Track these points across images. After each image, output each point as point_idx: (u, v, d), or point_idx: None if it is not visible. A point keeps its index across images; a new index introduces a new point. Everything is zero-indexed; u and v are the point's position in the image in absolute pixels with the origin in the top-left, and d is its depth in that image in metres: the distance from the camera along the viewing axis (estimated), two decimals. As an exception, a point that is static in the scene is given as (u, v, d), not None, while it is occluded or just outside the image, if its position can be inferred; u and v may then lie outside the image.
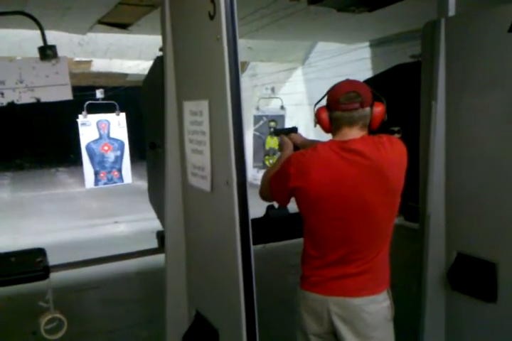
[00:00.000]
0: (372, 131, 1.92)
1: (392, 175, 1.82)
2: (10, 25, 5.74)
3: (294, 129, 2.38)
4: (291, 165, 1.87)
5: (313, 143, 2.22)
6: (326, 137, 2.03)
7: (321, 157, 1.84)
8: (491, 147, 2.15)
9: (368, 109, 1.85)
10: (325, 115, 1.90)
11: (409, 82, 2.65)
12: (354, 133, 1.85)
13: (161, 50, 2.13)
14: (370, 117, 1.87)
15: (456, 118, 2.30)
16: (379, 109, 1.88)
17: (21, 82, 2.13)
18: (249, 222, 1.62)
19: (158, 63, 2.18)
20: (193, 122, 1.88)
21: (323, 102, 1.94)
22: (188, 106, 1.92)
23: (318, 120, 1.94)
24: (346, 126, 1.86)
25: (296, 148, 2.26)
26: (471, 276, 2.25)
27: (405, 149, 1.86)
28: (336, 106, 1.85)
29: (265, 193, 2.06)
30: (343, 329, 1.86)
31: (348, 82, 1.90)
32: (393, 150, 1.82)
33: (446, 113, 2.33)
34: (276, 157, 8.53)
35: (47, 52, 2.15)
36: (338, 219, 1.84)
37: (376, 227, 1.85)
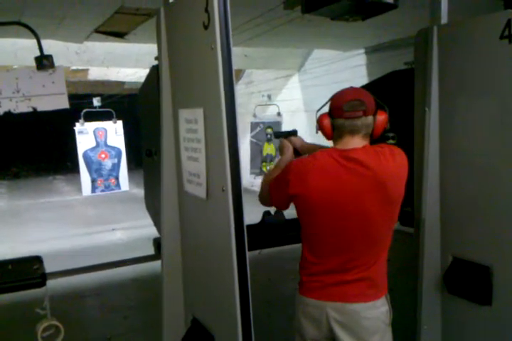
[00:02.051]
0: (374, 139, 1.92)
1: (392, 186, 1.82)
2: (5, 35, 5.77)
3: (294, 132, 2.36)
4: (291, 171, 1.87)
5: (312, 147, 2.22)
6: (324, 141, 2.05)
7: (321, 164, 1.84)
8: (485, 152, 2.17)
9: (370, 117, 1.85)
10: (327, 122, 1.89)
11: (402, 89, 2.67)
12: (356, 142, 1.85)
13: (156, 58, 2.15)
14: (373, 126, 1.87)
15: (449, 124, 2.32)
16: (382, 117, 1.88)
17: (18, 92, 2.15)
18: (245, 228, 1.63)
19: (154, 72, 2.20)
20: (188, 130, 1.90)
21: (325, 109, 1.94)
22: (184, 114, 1.94)
23: (320, 127, 1.93)
24: (348, 134, 1.85)
25: (296, 151, 2.26)
26: (467, 280, 2.27)
27: (406, 160, 1.86)
28: (340, 113, 1.84)
29: (264, 198, 2.06)
30: (341, 334, 1.87)
31: (352, 90, 1.90)
32: (394, 161, 1.82)
33: (439, 119, 2.36)
34: (273, 163, 8.55)
35: (43, 62, 2.16)
36: (336, 228, 1.84)
37: (375, 236, 1.86)
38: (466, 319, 2.31)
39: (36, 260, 2.26)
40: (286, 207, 2.01)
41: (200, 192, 1.82)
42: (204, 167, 1.77)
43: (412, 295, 2.48)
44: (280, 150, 2.29)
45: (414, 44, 2.52)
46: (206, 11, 1.57)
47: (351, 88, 1.92)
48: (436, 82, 2.34)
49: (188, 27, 1.76)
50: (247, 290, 1.64)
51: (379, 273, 1.91)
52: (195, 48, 1.75)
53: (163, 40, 2.05)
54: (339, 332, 1.87)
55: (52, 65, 2.17)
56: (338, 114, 1.85)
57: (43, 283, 2.13)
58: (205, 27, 1.60)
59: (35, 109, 2.15)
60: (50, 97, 2.16)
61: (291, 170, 1.88)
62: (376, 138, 1.93)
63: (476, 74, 2.17)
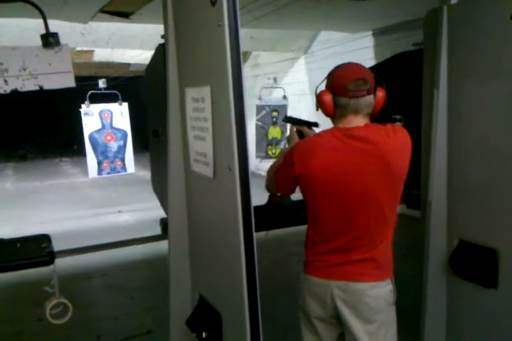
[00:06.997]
0: (373, 117, 1.91)
1: (395, 163, 1.82)
2: (11, 15, 5.72)
3: (315, 124, 2.28)
4: (295, 153, 1.88)
5: None
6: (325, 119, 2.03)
7: (324, 143, 1.85)
8: (493, 134, 2.15)
9: (372, 96, 1.84)
10: (329, 99, 1.86)
11: (411, 70, 2.64)
12: (359, 121, 1.85)
13: (163, 37, 2.13)
14: (374, 104, 1.87)
15: (458, 106, 2.30)
16: (381, 94, 1.88)
17: (24, 70, 2.13)
18: (252, 207, 1.63)
19: (161, 50, 2.18)
20: (195, 109, 1.89)
21: (323, 86, 1.92)
22: (190, 92, 1.92)
23: (320, 104, 1.90)
24: (352, 113, 1.84)
25: None
26: (473, 263, 2.27)
27: (409, 137, 1.86)
28: (344, 92, 1.82)
29: (271, 185, 2.09)
30: (346, 313, 1.89)
31: (353, 67, 1.87)
32: (397, 138, 1.83)
33: (448, 101, 2.33)
34: (279, 147, 8.53)
35: (49, 39, 2.15)
36: (340, 206, 1.85)
37: (378, 214, 1.86)
38: (472, 302, 2.32)
39: (44, 238, 2.27)
40: (293, 191, 2.02)
41: (207, 171, 1.82)
42: (211, 146, 1.77)
43: (418, 279, 2.49)
44: (288, 141, 2.28)
45: (424, 24, 2.48)
46: (213, -14, 1.55)
47: (351, 64, 1.89)
48: (445, 62, 2.31)
49: (195, 3, 1.74)
50: (253, 268, 1.64)
51: (384, 255, 1.92)
52: (202, 25, 1.73)
53: (169, 18, 2.02)
54: (344, 310, 1.89)
55: (58, 43, 2.15)
56: (341, 93, 1.83)
57: (51, 261, 2.15)
58: (213, 3, 1.57)
59: (41, 88, 2.14)
60: (57, 75, 2.15)
61: (295, 151, 1.89)
62: (379, 119, 1.92)
63: (486, 55, 2.14)
